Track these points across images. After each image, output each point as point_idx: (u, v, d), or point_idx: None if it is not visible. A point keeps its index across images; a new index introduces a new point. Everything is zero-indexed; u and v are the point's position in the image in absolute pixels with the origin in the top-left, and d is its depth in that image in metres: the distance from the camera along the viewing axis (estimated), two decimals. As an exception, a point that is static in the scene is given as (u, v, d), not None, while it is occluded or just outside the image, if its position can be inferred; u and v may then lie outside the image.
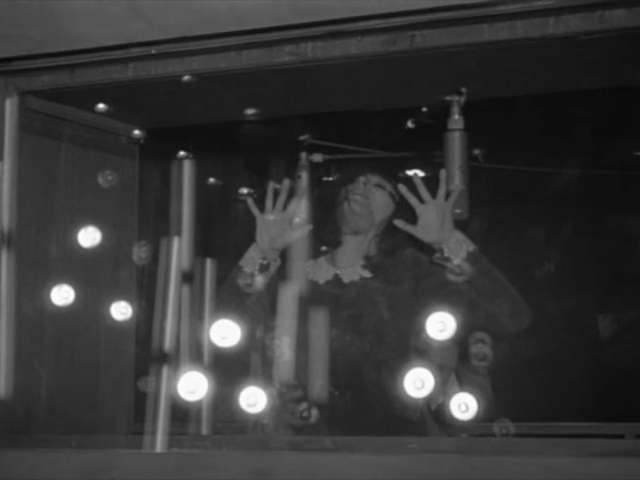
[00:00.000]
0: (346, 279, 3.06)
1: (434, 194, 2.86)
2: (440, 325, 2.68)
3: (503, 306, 2.87)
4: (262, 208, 3.01)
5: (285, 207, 3.00)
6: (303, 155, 3.11)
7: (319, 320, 2.95)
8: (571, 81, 2.67)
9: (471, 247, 2.86)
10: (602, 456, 2.00)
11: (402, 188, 2.89)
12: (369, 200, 3.06)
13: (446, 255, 2.86)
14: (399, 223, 2.91)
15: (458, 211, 2.86)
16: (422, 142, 3.03)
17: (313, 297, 3.01)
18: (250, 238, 3.02)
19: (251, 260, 2.99)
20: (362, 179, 3.06)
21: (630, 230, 3.81)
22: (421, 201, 2.87)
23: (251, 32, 2.34)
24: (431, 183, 2.88)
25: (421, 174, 2.92)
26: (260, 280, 2.97)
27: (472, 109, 2.76)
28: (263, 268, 2.98)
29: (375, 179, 3.08)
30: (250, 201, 3.03)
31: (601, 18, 2.21)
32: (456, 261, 2.84)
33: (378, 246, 3.08)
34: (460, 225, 2.89)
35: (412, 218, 2.90)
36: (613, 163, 3.89)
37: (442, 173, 2.83)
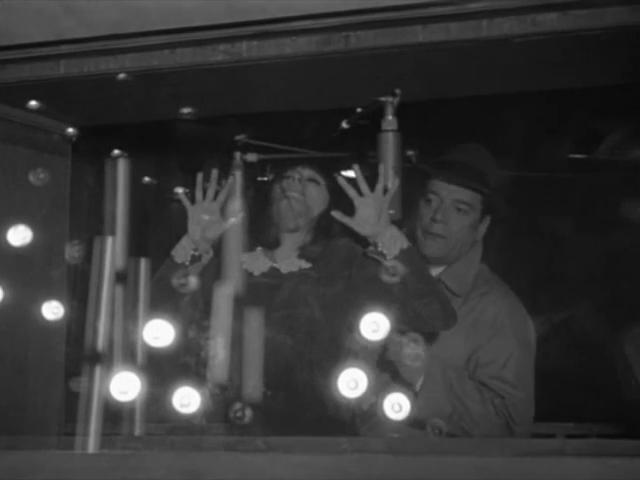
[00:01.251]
0: (284, 269, 3.06)
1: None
2: (374, 325, 2.69)
3: (431, 306, 2.89)
4: (194, 201, 3.01)
5: (215, 197, 3.00)
6: (237, 155, 3.10)
7: (253, 318, 2.94)
8: (505, 83, 2.68)
9: (405, 244, 2.88)
10: (533, 456, 2.02)
11: (341, 180, 2.90)
12: (305, 197, 3.06)
13: (380, 249, 2.87)
14: (336, 214, 2.92)
15: (391, 212, 2.87)
16: (357, 142, 3.03)
17: (247, 288, 3.01)
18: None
19: (183, 250, 2.99)
20: (296, 176, 3.06)
21: (561, 231, 3.86)
22: (360, 194, 2.88)
23: (185, 30, 2.32)
24: (367, 183, 2.89)
25: (356, 174, 2.93)
26: (193, 281, 2.96)
27: (406, 110, 2.77)
28: (195, 259, 2.98)
29: (307, 173, 3.08)
30: (182, 195, 3.02)
31: (534, 21, 2.23)
32: (389, 256, 2.85)
33: (313, 238, 3.09)
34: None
35: (347, 211, 2.92)
36: (547, 165, 3.92)
37: (381, 168, 2.83)
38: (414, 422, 2.80)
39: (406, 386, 3.00)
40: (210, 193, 2.99)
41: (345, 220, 2.91)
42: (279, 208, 3.07)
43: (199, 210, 2.99)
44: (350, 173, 2.92)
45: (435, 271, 3.17)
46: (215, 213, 2.99)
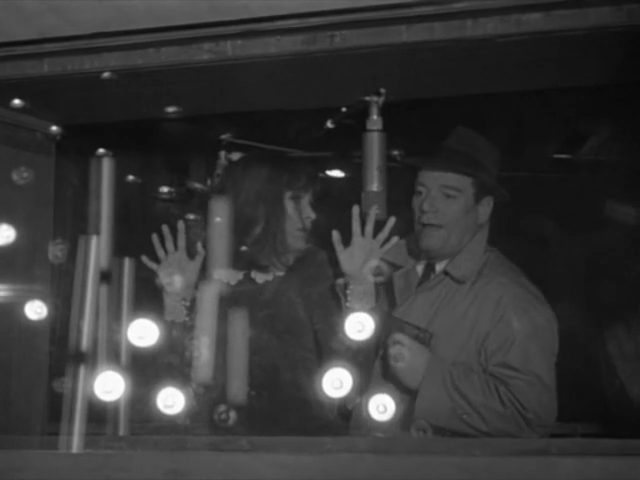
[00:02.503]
0: (259, 280, 3.06)
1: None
2: (359, 326, 2.69)
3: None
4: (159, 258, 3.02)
5: (176, 247, 3.00)
6: (222, 154, 3.09)
7: (237, 318, 2.94)
8: (489, 83, 2.69)
9: (370, 305, 2.86)
10: (516, 455, 2.03)
11: (355, 211, 2.87)
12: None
13: (347, 292, 2.86)
14: (335, 235, 2.90)
15: (377, 212, 2.86)
16: (342, 142, 3.03)
17: (229, 297, 3.01)
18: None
19: (174, 309, 2.98)
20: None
21: (544, 231, 3.87)
22: (362, 234, 2.87)
23: (169, 29, 2.32)
24: (351, 183, 2.89)
25: (341, 174, 2.93)
26: (179, 280, 2.96)
27: (391, 110, 2.77)
28: (191, 307, 2.98)
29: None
30: (146, 260, 3.00)
31: (518, 21, 2.24)
32: (348, 303, 2.85)
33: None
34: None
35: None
36: (530, 165, 3.93)
37: (390, 221, 2.85)
38: (413, 423, 2.80)
39: (402, 388, 2.96)
40: (170, 246, 2.99)
41: (337, 246, 2.90)
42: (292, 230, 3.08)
43: (167, 265, 2.99)
44: (335, 172, 2.92)
45: (440, 266, 3.12)
46: (184, 259, 3.00)
